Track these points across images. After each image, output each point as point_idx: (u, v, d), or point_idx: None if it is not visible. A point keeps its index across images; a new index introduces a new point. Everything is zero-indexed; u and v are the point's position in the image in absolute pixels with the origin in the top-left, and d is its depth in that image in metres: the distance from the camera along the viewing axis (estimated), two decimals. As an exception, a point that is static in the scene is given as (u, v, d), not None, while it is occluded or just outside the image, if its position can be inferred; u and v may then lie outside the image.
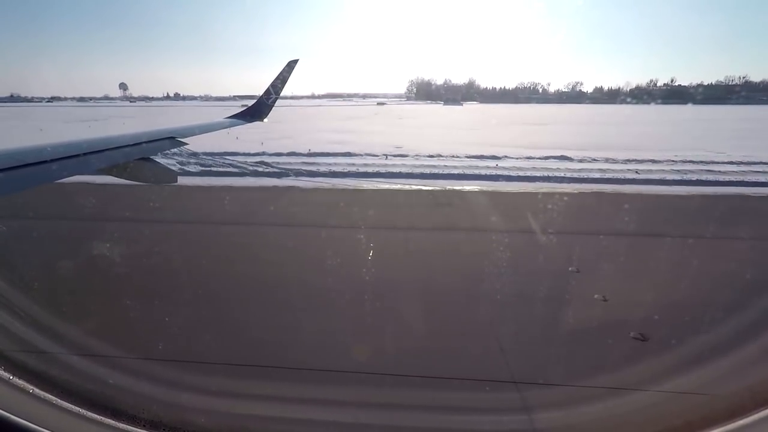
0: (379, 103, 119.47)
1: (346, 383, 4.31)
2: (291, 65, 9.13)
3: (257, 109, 9.06)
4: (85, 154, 4.09)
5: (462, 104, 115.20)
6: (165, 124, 7.12)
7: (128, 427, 1.42)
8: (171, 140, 5.86)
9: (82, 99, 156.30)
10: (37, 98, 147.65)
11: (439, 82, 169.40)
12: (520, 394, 4.05)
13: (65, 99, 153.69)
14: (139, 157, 5.09)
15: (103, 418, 1.41)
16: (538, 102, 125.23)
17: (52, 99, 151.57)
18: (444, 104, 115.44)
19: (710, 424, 1.36)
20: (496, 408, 3.90)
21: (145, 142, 5.36)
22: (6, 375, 1.44)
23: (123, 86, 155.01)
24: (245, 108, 9.24)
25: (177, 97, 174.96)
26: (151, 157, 5.35)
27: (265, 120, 9.15)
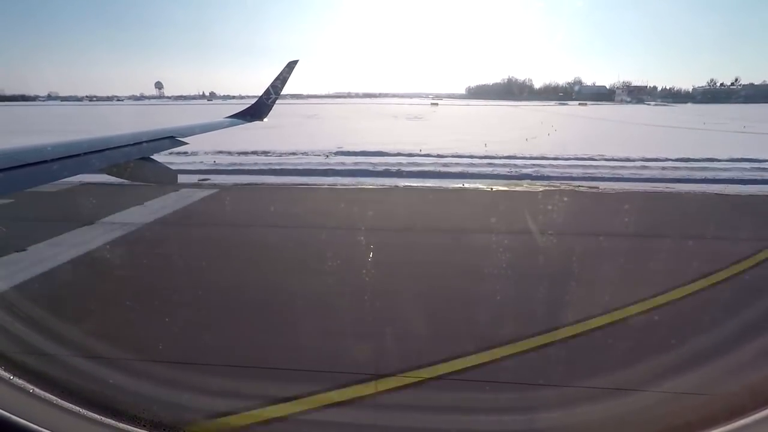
0: (581, 104, 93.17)
1: (346, 384, 4.30)
2: (291, 65, 9.16)
3: (257, 109, 9.09)
4: (85, 153, 4.10)
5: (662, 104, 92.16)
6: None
7: (129, 427, 1.42)
8: (171, 139, 5.88)
9: (116, 98, 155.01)
10: (84, 97, 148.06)
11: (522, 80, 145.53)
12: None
13: (113, 98, 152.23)
14: (139, 157, 5.10)
15: (103, 418, 1.41)
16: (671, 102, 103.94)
17: (93, 98, 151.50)
18: (636, 104, 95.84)
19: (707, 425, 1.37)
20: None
21: (145, 142, 5.38)
22: (6, 375, 1.44)
23: (158, 85, 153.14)
24: (246, 107, 9.27)
25: (213, 96, 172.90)
26: (151, 156, 5.37)
27: (265, 120, 9.17)
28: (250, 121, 8.87)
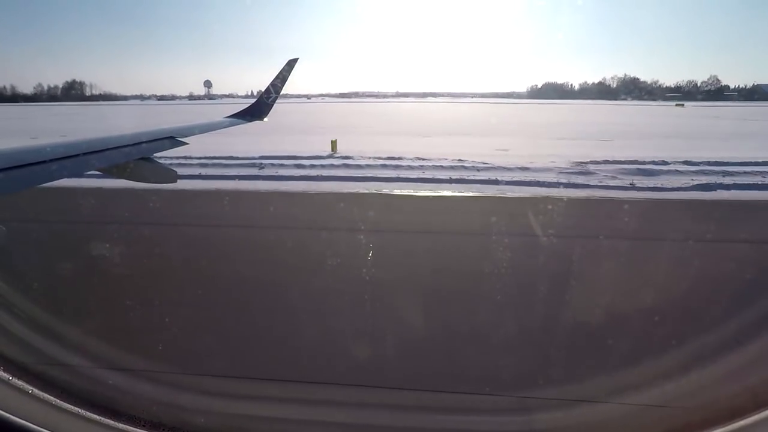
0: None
1: (345, 384, 4.29)
2: (291, 64, 9.14)
3: (257, 109, 9.08)
4: (84, 154, 4.09)
5: None
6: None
7: (128, 427, 1.42)
8: (171, 140, 5.87)
9: (162, 97, 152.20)
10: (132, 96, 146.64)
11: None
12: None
13: (167, 98, 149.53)
14: (138, 157, 5.10)
15: (102, 419, 1.41)
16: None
17: (144, 97, 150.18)
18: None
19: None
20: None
21: (145, 142, 5.37)
22: (5, 375, 1.44)
23: (207, 84, 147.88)
24: (246, 107, 9.26)
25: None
26: (151, 156, 5.37)
27: (265, 119, 9.15)
28: (250, 121, 8.87)
